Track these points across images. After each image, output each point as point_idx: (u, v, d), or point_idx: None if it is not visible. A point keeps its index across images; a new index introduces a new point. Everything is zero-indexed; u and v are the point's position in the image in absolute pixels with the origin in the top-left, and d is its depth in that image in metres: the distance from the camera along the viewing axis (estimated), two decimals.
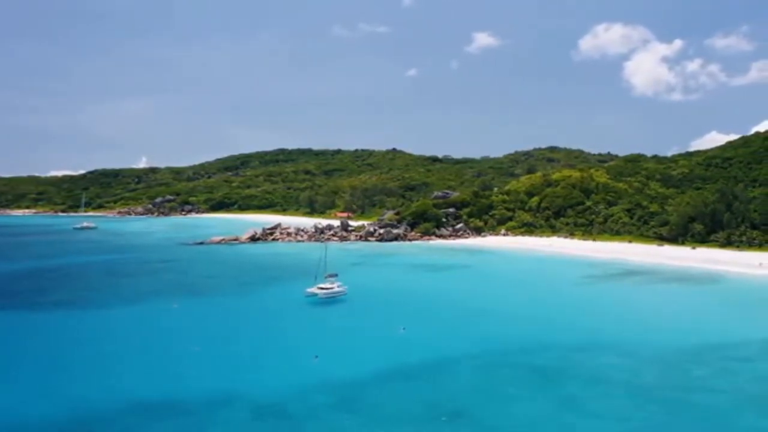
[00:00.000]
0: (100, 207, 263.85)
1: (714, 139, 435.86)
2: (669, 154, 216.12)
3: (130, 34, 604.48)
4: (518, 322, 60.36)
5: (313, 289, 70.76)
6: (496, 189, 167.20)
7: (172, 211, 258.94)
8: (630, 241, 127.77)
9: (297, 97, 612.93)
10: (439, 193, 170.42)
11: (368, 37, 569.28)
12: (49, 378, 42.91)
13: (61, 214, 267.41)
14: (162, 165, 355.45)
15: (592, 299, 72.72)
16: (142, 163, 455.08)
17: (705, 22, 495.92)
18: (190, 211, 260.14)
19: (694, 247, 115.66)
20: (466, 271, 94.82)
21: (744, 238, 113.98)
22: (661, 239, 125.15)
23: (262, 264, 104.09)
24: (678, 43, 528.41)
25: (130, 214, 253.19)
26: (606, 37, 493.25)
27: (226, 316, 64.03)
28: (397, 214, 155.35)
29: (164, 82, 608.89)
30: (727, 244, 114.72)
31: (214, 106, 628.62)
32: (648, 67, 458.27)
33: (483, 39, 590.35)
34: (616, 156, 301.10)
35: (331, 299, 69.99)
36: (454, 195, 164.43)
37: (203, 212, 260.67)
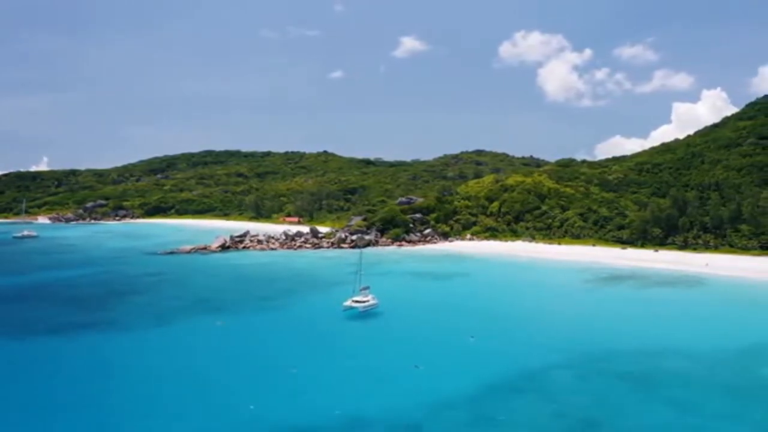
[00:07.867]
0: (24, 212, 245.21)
1: (617, 143, 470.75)
2: (575, 157, 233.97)
3: (29, 25, 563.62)
4: (567, 329, 64.56)
5: (350, 303, 71.62)
6: (457, 194, 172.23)
7: (104, 216, 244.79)
8: (594, 245, 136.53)
9: (219, 97, 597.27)
10: (404, 199, 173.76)
11: (296, 40, 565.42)
12: (173, 410, 41.80)
13: None
14: (67, 166, 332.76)
15: (611, 305, 78.14)
16: (44, 164, 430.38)
17: (614, 32, 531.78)
18: (124, 217, 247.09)
19: (656, 250, 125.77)
20: (471, 279, 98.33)
21: (700, 241, 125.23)
22: (622, 243, 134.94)
23: (259, 275, 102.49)
24: (588, 53, 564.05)
25: (60, 221, 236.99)
26: (524, 44, 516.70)
27: (281, 334, 63.42)
28: (365, 220, 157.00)
29: (67, 78, 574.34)
30: (684, 246, 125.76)
31: (128, 104, 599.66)
32: (560, 74, 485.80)
33: (409, 43, 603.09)
34: (539, 159, 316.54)
35: (368, 312, 71.36)
36: (419, 201, 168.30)
37: (138, 218, 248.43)
